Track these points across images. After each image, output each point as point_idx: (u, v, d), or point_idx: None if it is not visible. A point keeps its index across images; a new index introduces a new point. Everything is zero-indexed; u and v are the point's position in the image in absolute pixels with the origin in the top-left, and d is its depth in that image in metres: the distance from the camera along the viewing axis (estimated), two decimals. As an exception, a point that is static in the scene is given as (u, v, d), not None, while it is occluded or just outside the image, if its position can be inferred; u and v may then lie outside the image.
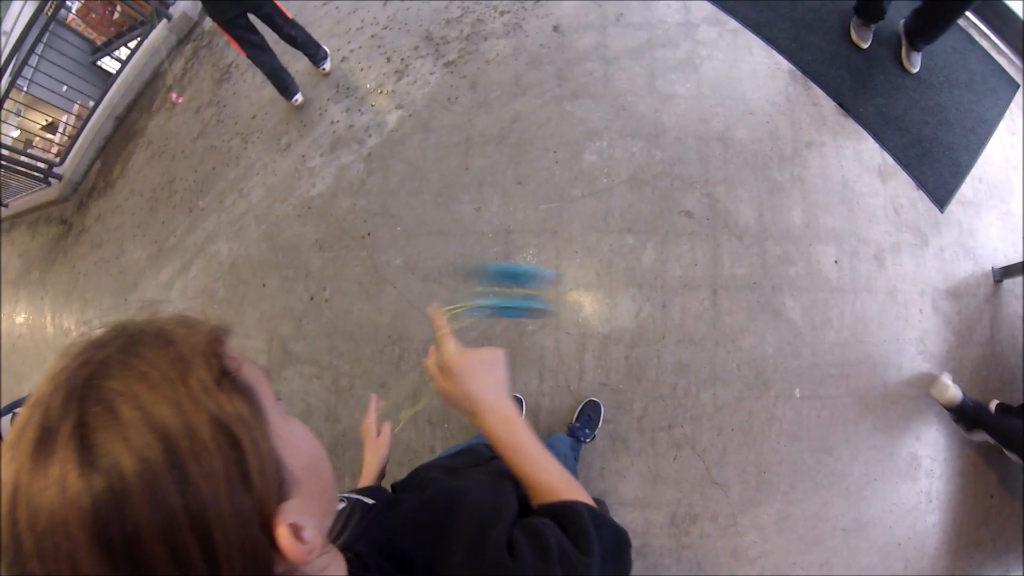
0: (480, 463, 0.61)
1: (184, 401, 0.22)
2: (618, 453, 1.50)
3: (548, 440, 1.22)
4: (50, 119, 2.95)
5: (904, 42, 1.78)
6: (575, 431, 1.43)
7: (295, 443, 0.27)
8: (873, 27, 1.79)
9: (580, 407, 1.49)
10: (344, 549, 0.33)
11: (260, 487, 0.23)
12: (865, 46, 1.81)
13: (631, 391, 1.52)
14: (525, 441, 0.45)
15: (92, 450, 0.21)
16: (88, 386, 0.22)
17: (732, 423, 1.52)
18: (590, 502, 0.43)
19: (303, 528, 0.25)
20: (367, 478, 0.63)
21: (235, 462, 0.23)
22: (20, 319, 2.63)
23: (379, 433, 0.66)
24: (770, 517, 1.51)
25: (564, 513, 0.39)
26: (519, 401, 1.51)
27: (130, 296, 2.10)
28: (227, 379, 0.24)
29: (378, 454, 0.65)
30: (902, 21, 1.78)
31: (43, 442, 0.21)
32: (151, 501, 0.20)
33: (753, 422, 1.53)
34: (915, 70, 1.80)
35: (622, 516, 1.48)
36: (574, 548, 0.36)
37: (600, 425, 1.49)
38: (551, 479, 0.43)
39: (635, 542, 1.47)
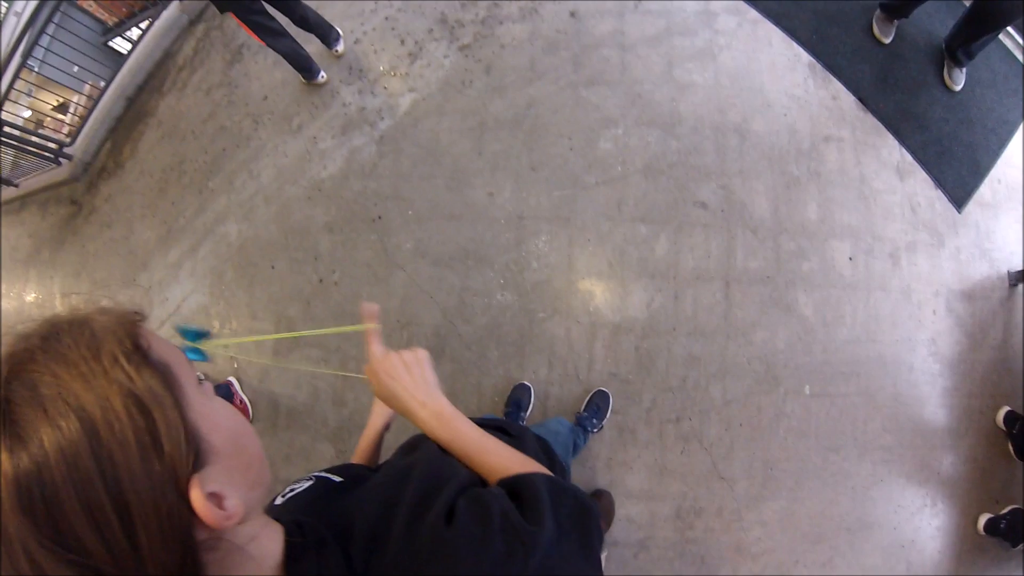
0: None
1: (97, 375, 0.25)
2: (625, 444, 1.49)
3: (546, 421, 1.21)
4: (61, 99, 2.94)
5: (946, 58, 1.74)
6: (583, 420, 1.43)
7: (215, 418, 0.29)
8: (896, 23, 1.76)
9: (589, 396, 1.48)
10: (289, 521, 0.35)
11: (172, 453, 0.25)
12: (887, 41, 1.78)
13: (640, 382, 1.51)
14: (463, 431, 0.45)
15: (15, 424, 0.23)
16: (13, 371, 0.24)
17: (740, 418, 1.51)
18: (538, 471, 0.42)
19: (225, 497, 0.27)
20: (369, 435, 0.65)
21: (146, 430, 0.25)
22: (30, 298, 2.64)
23: None
24: (775, 514, 1.50)
25: (518, 484, 0.39)
26: (527, 389, 1.50)
27: (139, 276, 2.10)
28: (138, 354, 0.27)
29: (384, 411, 0.66)
30: (944, 39, 1.73)
31: None
32: (67, 466, 0.23)
33: (762, 417, 1.51)
34: (957, 88, 1.74)
35: (627, 508, 1.47)
36: (521, 519, 0.34)
37: (608, 415, 1.48)
38: (501, 461, 0.44)
39: (639, 534, 1.47)
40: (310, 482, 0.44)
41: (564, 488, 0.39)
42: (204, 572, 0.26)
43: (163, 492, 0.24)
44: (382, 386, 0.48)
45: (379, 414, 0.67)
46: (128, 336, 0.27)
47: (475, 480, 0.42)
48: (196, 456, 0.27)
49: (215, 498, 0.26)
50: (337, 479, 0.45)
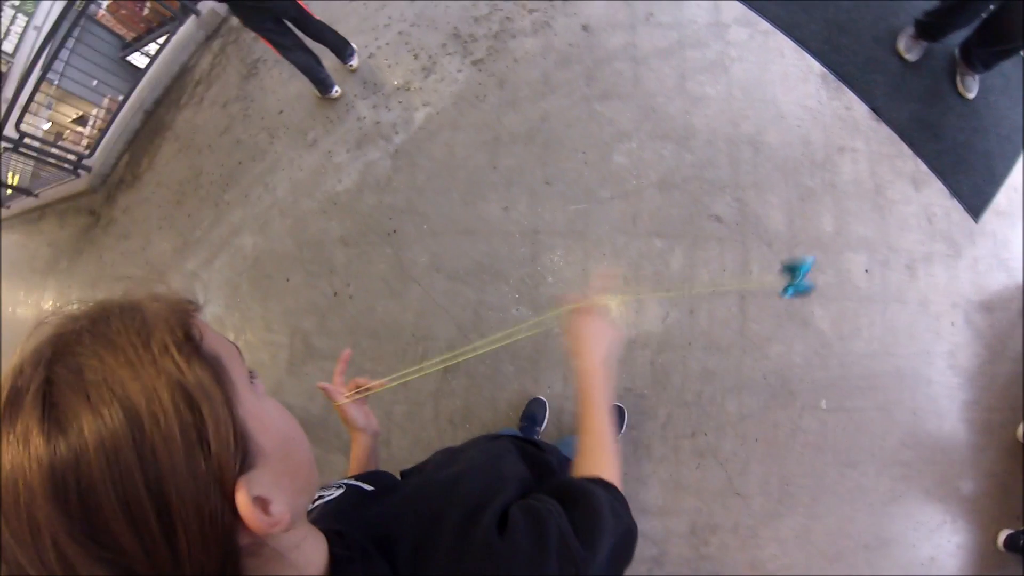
0: (481, 441, 0.60)
1: (145, 363, 0.23)
2: (640, 459, 1.49)
3: (565, 439, 1.21)
4: (80, 112, 3.01)
5: (960, 63, 1.71)
6: (598, 435, 1.42)
7: (266, 419, 0.28)
8: (924, 44, 1.74)
9: (603, 411, 1.47)
10: (329, 530, 0.34)
11: (219, 453, 0.24)
12: (911, 59, 1.75)
13: (655, 397, 1.50)
14: (599, 398, 0.53)
15: (55, 408, 0.22)
16: (58, 352, 0.23)
17: (756, 433, 1.50)
18: (616, 477, 0.45)
19: (271, 502, 0.26)
20: (360, 455, 0.63)
21: (193, 426, 0.23)
22: (48, 307, 2.69)
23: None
24: (791, 530, 1.48)
25: (579, 499, 0.37)
26: (542, 403, 1.51)
27: (156, 287, 2.13)
28: (189, 345, 0.25)
29: (362, 425, 0.63)
30: (958, 46, 1.71)
31: (12, 401, 0.22)
32: (107, 459, 0.21)
33: (778, 432, 1.50)
34: (971, 95, 1.72)
35: (641, 523, 1.45)
36: (577, 543, 0.34)
37: (623, 431, 1.48)
38: (599, 435, 0.50)
39: (653, 550, 1.46)
40: (340, 490, 0.44)
41: (620, 516, 0.39)
42: None
43: (207, 493, 0.23)
44: (588, 331, 0.57)
45: (359, 437, 0.65)
46: (180, 325, 0.26)
47: (526, 490, 0.42)
48: (244, 457, 0.25)
49: (261, 503, 0.25)
50: (368, 488, 0.44)
